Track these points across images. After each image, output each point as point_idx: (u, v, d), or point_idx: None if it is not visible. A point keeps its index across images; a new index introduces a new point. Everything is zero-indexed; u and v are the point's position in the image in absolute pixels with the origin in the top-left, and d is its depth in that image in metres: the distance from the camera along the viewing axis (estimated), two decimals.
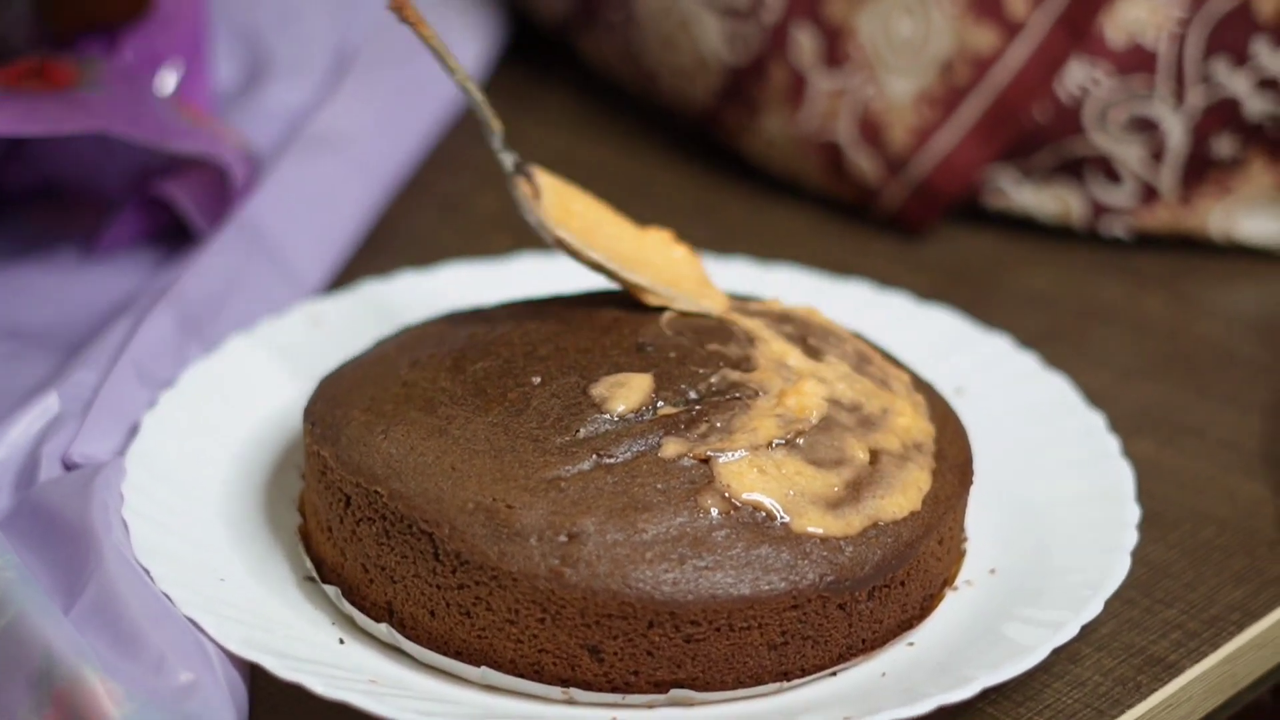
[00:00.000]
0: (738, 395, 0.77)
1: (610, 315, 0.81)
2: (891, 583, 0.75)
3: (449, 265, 0.96)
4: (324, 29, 1.16)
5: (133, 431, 0.83)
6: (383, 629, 0.76)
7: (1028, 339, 0.95)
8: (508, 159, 0.81)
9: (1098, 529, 0.80)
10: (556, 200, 0.78)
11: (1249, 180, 1.05)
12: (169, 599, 0.73)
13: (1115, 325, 1.02)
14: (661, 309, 0.81)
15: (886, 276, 1.01)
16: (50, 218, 1.03)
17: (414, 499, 0.74)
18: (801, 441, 0.76)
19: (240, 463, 0.84)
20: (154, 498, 0.79)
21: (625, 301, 0.82)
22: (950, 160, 1.06)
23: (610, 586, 0.72)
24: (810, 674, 0.75)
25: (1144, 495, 0.84)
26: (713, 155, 1.15)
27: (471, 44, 1.20)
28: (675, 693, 0.73)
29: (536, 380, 0.77)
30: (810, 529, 0.74)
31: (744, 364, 0.78)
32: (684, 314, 0.81)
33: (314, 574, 0.79)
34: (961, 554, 0.81)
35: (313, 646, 0.74)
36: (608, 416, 0.75)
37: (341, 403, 0.79)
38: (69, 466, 0.81)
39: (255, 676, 0.74)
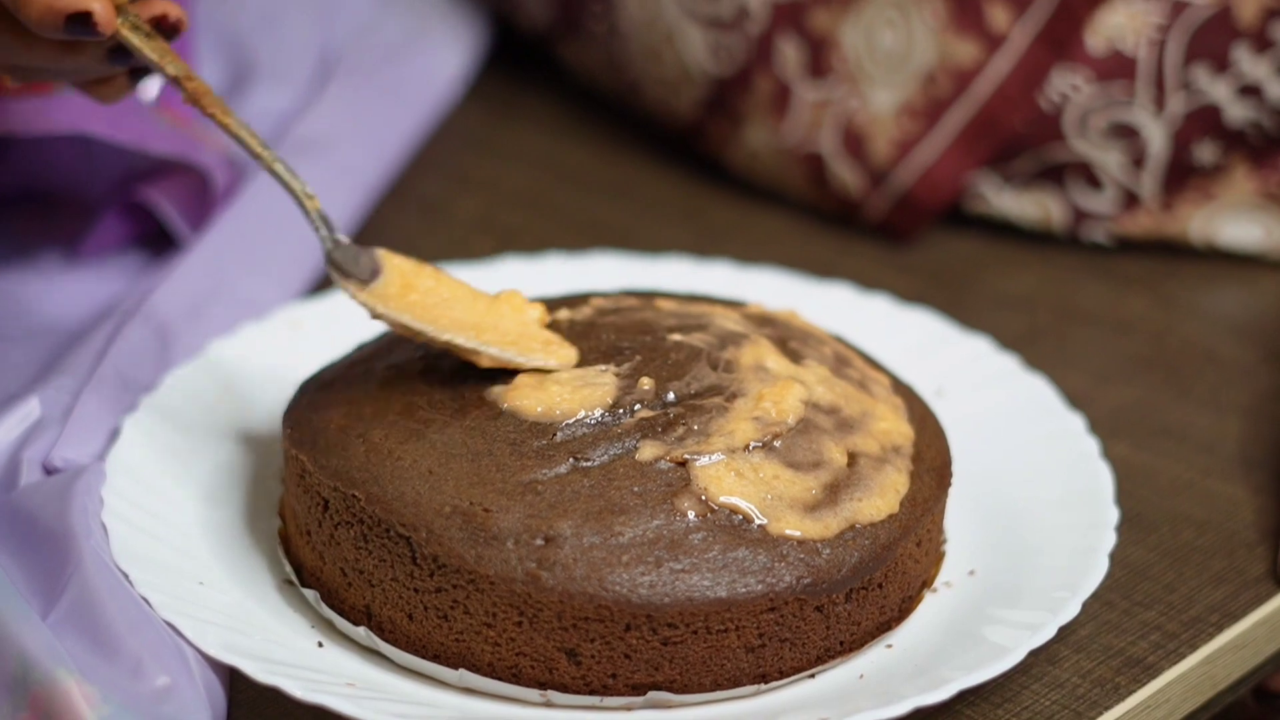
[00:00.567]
0: (716, 398, 0.77)
1: None
2: (869, 585, 0.75)
3: None
4: (307, 34, 1.16)
5: (113, 436, 0.83)
6: (361, 632, 0.76)
7: (1008, 341, 0.95)
8: (327, 239, 0.78)
9: (1077, 531, 0.80)
10: (398, 279, 0.78)
11: (1231, 187, 1.05)
12: (147, 603, 0.73)
13: (1096, 327, 1.02)
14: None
15: (869, 279, 1.01)
16: (33, 223, 1.02)
17: (391, 503, 0.74)
18: (779, 444, 0.76)
19: (220, 467, 0.84)
20: (134, 502, 0.79)
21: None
22: (932, 172, 1.06)
23: (587, 590, 0.72)
24: (788, 676, 0.75)
25: (1123, 497, 0.84)
26: (697, 159, 1.15)
27: (455, 50, 1.20)
28: (653, 695, 0.73)
29: None
30: (787, 531, 0.74)
31: (722, 366, 0.78)
32: (671, 310, 0.81)
33: (293, 578, 0.79)
34: (940, 556, 0.81)
35: (291, 650, 0.74)
36: (584, 419, 0.75)
37: (320, 407, 0.79)
38: (50, 471, 0.81)
39: (233, 680, 0.74)
